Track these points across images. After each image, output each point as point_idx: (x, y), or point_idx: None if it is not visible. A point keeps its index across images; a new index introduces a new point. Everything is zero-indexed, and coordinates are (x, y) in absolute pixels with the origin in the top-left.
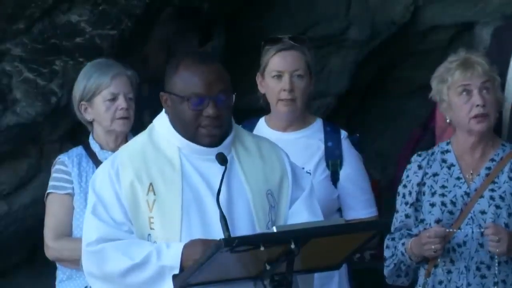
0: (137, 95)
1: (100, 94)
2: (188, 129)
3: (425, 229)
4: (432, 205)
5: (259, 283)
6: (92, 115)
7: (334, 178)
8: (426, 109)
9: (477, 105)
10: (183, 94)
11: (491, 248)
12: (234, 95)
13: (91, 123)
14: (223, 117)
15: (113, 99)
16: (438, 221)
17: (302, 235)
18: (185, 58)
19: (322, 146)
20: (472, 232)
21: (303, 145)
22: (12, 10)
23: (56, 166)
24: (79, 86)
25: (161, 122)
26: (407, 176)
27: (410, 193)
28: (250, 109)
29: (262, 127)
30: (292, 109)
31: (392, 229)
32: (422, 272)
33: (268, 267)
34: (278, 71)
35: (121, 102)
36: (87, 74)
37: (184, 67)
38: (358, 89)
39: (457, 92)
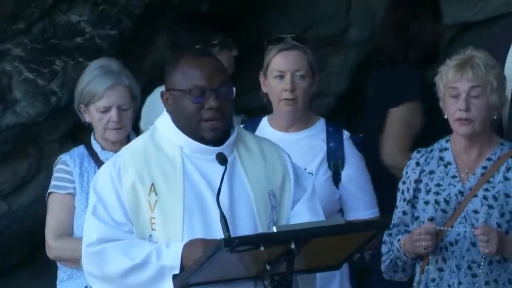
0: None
1: (94, 104)
2: (191, 124)
3: (419, 226)
4: (426, 203)
5: (259, 283)
6: (89, 118)
7: (336, 179)
8: None
9: (460, 110)
10: (184, 87)
11: (481, 249)
12: (235, 89)
13: (91, 123)
14: (225, 110)
15: (106, 111)
16: (431, 219)
17: (302, 235)
18: (184, 54)
19: (325, 147)
20: (465, 231)
21: (306, 146)
22: (12, 10)
23: (58, 166)
24: (79, 89)
25: (163, 122)
26: (406, 173)
27: (408, 189)
28: (250, 109)
29: (264, 127)
30: (294, 109)
31: (391, 225)
32: (417, 269)
33: (268, 267)
34: (280, 71)
35: (113, 115)
36: (87, 78)
37: (184, 61)
38: (358, 89)
39: (448, 92)
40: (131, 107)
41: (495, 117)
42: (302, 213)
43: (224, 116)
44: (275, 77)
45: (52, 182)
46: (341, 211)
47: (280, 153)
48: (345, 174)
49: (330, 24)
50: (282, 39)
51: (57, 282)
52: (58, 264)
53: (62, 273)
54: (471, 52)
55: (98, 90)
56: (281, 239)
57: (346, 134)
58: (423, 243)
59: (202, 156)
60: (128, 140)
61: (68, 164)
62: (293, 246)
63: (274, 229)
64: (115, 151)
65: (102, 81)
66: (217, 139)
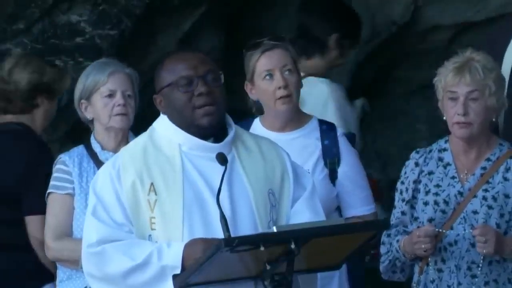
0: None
1: (98, 91)
2: (185, 116)
3: (418, 227)
4: (426, 203)
5: (259, 283)
6: (92, 113)
7: (333, 177)
8: (426, 109)
9: (458, 114)
10: (172, 81)
11: (479, 249)
12: (222, 75)
13: (92, 121)
14: (216, 94)
15: (111, 95)
16: (430, 220)
17: (302, 235)
18: (169, 54)
19: (319, 145)
20: (464, 231)
21: (301, 145)
22: (12, 10)
23: (57, 166)
24: (79, 86)
25: (161, 123)
26: (405, 173)
27: (406, 190)
28: (248, 110)
29: (257, 128)
30: (290, 107)
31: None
32: (416, 270)
33: (268, 267)
34: (268, 70)
35: (118, 99)
36: (85, 73)
37: (168, 60)
38: (358, 89)
39: (447, 95)
40: (133, 97)
41: (494, 119)
42: (302, 212)
43: (215, 101)
44: (264, 79)
45: (52, 182)
46: (338, 208)
47: (279, 152)
48: (341, 171)
49: None
50: (259, 43)
51: (57, 282)
52: (57, 264)
53: (62, 273)
54: (470, 54)
55: (101, 77)
56: (281, 239)
57: (339, 131)
58: (423, 246)
59: (202, 154)
60: (127, 140)
61: (67, 164)
62: (293, 246)
63: (274, 229)
64: (114, 151)
65: (104, 68)
66: (213, 126)
